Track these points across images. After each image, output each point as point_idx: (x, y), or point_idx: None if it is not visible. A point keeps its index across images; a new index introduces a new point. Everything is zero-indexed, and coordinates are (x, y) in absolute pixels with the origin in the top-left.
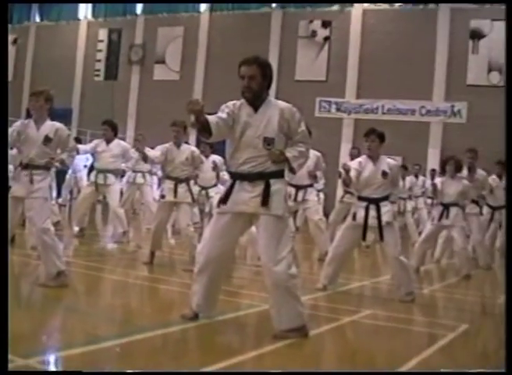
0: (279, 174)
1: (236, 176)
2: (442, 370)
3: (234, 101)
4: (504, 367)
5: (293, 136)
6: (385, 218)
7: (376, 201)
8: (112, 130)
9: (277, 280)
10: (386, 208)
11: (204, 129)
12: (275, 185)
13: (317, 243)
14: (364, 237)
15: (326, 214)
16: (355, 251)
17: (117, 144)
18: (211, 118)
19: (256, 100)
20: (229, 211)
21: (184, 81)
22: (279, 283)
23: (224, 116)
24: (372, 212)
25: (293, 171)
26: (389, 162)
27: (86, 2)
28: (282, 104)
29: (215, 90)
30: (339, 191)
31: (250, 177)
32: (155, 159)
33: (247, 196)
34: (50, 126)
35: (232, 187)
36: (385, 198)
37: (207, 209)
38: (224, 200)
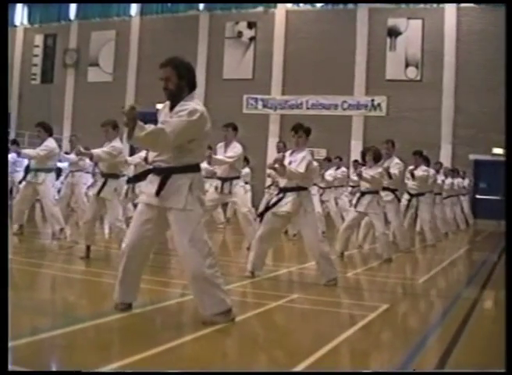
0: (182, 169)
1: (150, 170)
2: (442, 370)
3: (164, 104)
4: (504, 367)
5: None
6: (285, 208)
7: (289, 190)
8: (45, 131)
9: (194, 272)
10: (290, 198)
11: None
12: (179, 180)
13: (245, 233)
14: (260, 219)
15: (255, 205)
16: (283, 239)
17: (45, 145)
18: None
19: (175, 99)
20: (141, 202)
21: (117, 82)
22: (196, 274)
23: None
24: (285, 200)
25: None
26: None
27: (77, 2)
28: (186, 104)
29: (146, 90)
30: (268, 182)
31: (155, 171)
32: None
33: (152, 189)
34: None
35: (142, 177)
36: (302, 189)
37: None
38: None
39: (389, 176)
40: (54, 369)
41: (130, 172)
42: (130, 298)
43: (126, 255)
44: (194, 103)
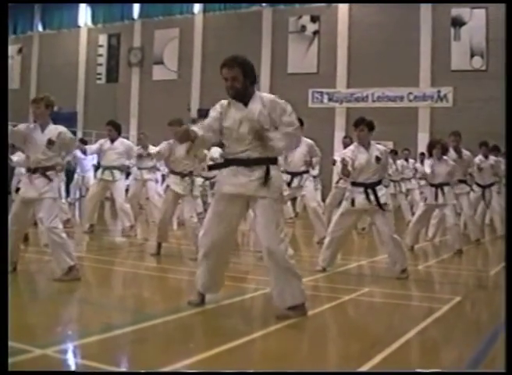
0: (273, 160)
1: (233, 162)
2: (442, 370)
3: (222, 102)
4: (504, 367)
5: (277, 125)
6: (382, 200)
7: (372, 186)
8: (115, 130)
9: (278, 261)
10: (382, 192)
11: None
12: (272, 170)
13: (315, 228)
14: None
15: (323, 199)
16: (353, 233)
17: (121, 143)
18: (200, 133)
19: (243, 97)
20: (226, 193)
21: (182, 80)
22: (280, 263)
23: (211, 123)
24: (371, 197)
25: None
26: (378, 148)
27: (85, 2)
28: (267, 97)
29: (211, 86)
30: (335, 177)
31: (248, 162)
32: (158, 154)
33: (245, 179)
34: (53, 129)
35: (227, 170)
36: (380, 182)
37: (210, 200)
38: (221, 182)
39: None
40: (126, 365)
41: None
42: (215, 290)
43: (217, 251)
44: (272, 95)
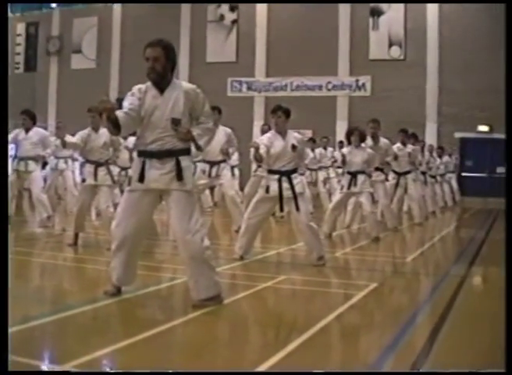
0: (187, 152)
1: (145, 155)
2: (441, 370)
3: (139, 86)
4: (504, 367)
5: (197, 116)
6: (297, 189)
7: (287, 174)
8: (30, 119)
9: (193, 252)
10: (297, 180)
11: (113, 125)
12: (184, 162)
13: (233, 216)
14: (281, 209)
15: (242, 188)
16: (271, 221)
17: (35, 132)
18: (120, 115)
19: (161, 82)
20: (140, 188)
21: (101, 69)
22: (195, 254)
23: (131, 111)
24: (285, 184)
25: (199, 148)
26: (295, 136)
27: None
28: (186, 85)
29: (130, 75)
30: (254, 166)
31: (159, 155)
32: (75, 145)
33: (157, 173)
34: None
35: (143, 164)
36: (295, 171)
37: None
38: (140, 179)
39: (395, 157)
40: (45, 356)
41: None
42: (130, 282)
43: (130, 243)
44: (188, 83)
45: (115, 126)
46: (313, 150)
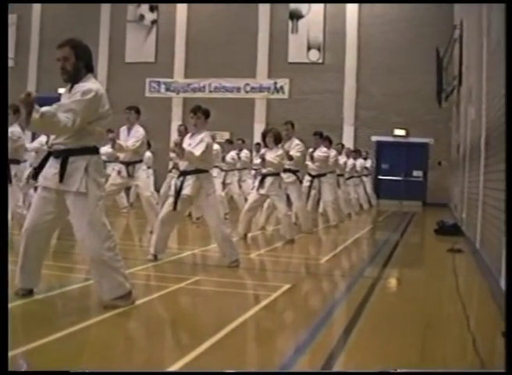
0: (80, 151)
1: (50, 153)
2: (442, 370)
3: (66, 88)
4: (504, 367)
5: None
6: (185, 191)
7: (189, 174)
8: None
9: (93, 255)
10: (190, 182)
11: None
12: (75, 162)
13: (148, 217)
14: (174, 207)
15: (157, 189)
16: (187, 222)
17: None
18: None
19: (74, 81)
20: (39, 185)
21: (19, 67)
22: (95, 257)
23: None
24: (185, 183)
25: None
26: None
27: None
28: (82, 85)
29: (48, 74)
30: (169, 166)
31: (55, 154)
32: None
33: (51, 172)
34: None
35: (44, 161)
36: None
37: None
38: (35, 174)
39: (290, 158)
40: None
41: (31, 158)
42: (32, 284)
43: (26, 239)
44: (90, 83)
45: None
46: (228, 152)
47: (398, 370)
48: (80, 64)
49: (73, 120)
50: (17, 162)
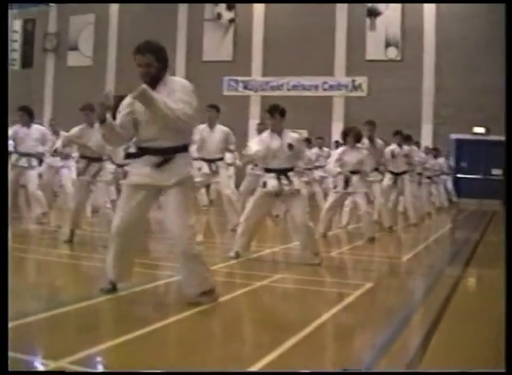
0: (181, 149)
1: (142, 151)
2: (442, 370)
3: (127, 101)
4: (504, 367)
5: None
6: (295, 184)
7: (284, 172)
8: (28, 115)
9: (184, 249)
10: (295, 178)
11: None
12: (178, 158)
13: (229, 215)
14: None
15: (238, 187)
16: (267, 220)
17: (37, 129)
18: (109, 121)
19: (155, 82)
20: (135, 183)
21: (97, 66)
22: (186, 251)
23: (122, 121)
24: (283, 181)
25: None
26: (292, 135)
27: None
28: (175, 79)
29: (126, 73)
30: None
31: (154, 152)
32: (68, 140)
33: (150, 169)
34: None
35: (137, 160)
36: (292, 169)
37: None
38: (135, 173)
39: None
40: (40, 352)
41: (118, 157)
42: (124, 279)
43: (123, 236)
44: (177, 78)
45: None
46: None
47: (398, 370)
48: (161, 66)
49: (191, 111)
50: (100, 159)
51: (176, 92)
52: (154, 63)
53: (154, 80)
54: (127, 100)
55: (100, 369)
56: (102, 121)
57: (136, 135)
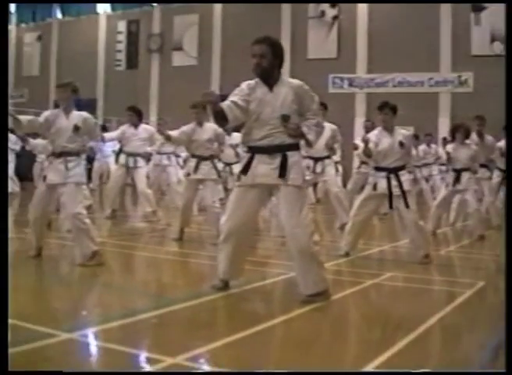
0: (296, 147)
1: (254, 150)
2: (442, 370)
3: (248, 82)
4: (504, 367)
5: (305, 112)
6: (405, 186)
7: (395, 171)
8: (136, 115)
9: (302, 247)
10: (405, 177)
11: (220, 117)
12: (293, 157)
13: (337, 213)
14: (391, 206)
15: (344, 185)
16: (374, 218)
17: (144, 129)
18: (225, 105)
19: (268, 78)
20: (249, 183)
21: (202, 66)
22: (304, 249)
23: (239, 101)
24: (393, 182)
25: (309, 144)
26: (402, 132)
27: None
28: (295, 82)
29: (231, 72)
30: (355, 163)
31: (268, 150)
32: (179, 139)
33: (266, 168)
34: (78, 115)
35: (251, 160)
36: (403, 168)
37: (230, 185)
38: (243, 172)
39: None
40: (150, 349)
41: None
42: (236, 277)
43: (236, 236)
44: (298, 82)
45: (221, 118)
46: (416, 147)
47: (398, 370)
48: (275, 62)
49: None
50: (209, 158)
51: (305, 100)
52: (268, 56)
53: (267, 75)
54: (250, 82)
55: (215, 366)
56: (216, 113)
57: (246, 134)
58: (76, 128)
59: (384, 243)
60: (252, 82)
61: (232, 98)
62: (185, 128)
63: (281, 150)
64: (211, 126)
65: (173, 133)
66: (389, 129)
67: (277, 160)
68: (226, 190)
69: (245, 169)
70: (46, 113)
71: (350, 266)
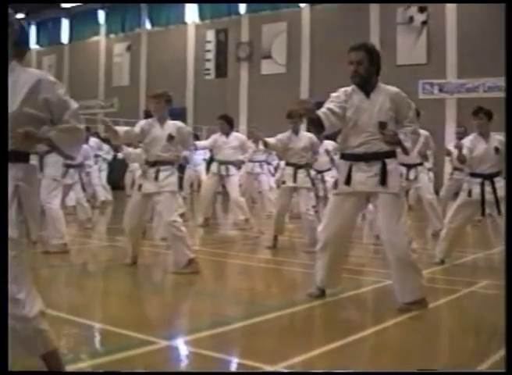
0: (393, 154)
1: (351, 158)
2: (442, 370)
3: (345, 89)
4: (504, 367)
5: (402, 119)
6: (500, 193)
7: (490, 177)
8: (227, 124)
9: (400, 255)
10: (500, 184)
11: (316, 124)
12: (391, 164)
13: (430, 220)
14: (483, 213)
15: (436, 191)
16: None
17: (235, 137)
18: (322, 113)
19: (366, 85)
20: (346, 191)
21: (291, 74)
22: (402, 257)
23: (335, 108)
24: (488, 188)
25: (406, 151)
26: (498, 138)
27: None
28: (392, 89)
29: (320, 80)
30: (447, 169)
31: (366, 158)
32: (275, 146)
33: (364, 176)
34: (172, 125)
35: (350, 168)
36: (498, 174)
37: (321, 193)
38: (347, 183)
39: None
40: (246, 357)
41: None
42: (333, 285)
43: (334, 245)
44: (395, 89)
45: (318, 125)
46: None
47: (398, 370)
48: (372, 69)
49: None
50: (303, 166)
51: (402, 108)
52: (365, 62)
53: (364, 82)
54: (347, 89)
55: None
56: (312, 120)
57: (343, 142)
58: (171, 137)
59: (478, 250)
60: (349, 89)
61: (329, 105)
62: (281, 136)
63: (378, 157)
64: (306, 135)
65: (270, 140)
66: (485, 134)
67: (374, 168)
68: (317, 197)
69: (347, 180)
70: (141, 123)
71: (445, 273)
